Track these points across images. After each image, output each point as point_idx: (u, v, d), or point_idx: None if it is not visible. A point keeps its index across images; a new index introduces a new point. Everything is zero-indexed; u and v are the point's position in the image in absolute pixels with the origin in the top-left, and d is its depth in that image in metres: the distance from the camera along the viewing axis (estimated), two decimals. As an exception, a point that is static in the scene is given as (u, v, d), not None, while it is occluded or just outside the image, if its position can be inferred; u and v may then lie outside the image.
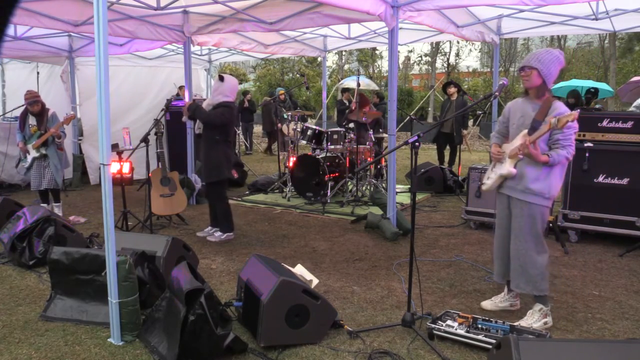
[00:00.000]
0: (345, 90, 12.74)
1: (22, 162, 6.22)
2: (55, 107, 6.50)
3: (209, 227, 5.70)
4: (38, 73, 9.01)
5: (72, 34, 7.60)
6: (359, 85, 8.01)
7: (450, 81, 9.57)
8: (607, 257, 4.89)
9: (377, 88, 13.29)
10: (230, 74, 5.71)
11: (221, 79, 5.26)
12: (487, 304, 3.71)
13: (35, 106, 6.02)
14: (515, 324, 3.26)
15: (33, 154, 6.06)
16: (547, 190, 3.33)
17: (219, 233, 5.50)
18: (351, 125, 8.13)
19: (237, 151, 11.37)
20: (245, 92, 14.86)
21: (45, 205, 6.11)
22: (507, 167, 3.40)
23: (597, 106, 8.54)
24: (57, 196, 6.32)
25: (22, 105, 6.21)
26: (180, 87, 8.21)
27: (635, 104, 7.33)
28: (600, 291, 4.06)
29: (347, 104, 11.89)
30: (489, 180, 3.60)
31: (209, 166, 5.30)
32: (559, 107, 3.27)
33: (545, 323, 3.39)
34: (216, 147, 5.25)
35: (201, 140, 5.41)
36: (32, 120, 6.12)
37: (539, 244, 3.39)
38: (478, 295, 3.97)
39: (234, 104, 5.45)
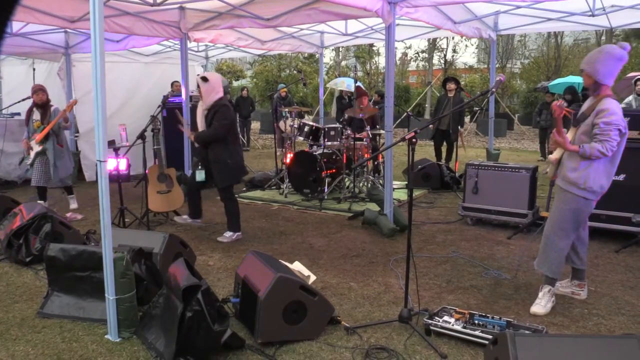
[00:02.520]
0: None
1: (25, 159, 6.21)
2: (55, 105, 6.49)
3: (186, 216, 5.74)
4: (34, 69, 8.96)
5: (68, 30, 7.57)
6: (356, 81, 8.01)
7: (450, 77, 9.53)
8: (604, 253, 4.91)
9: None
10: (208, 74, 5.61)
11: (205, 79, 5.11)
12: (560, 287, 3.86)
13: (41, 94, 6.05)
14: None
15: (36, 148, 6.04)
16: (583, 181, 3.45)
17: (229, 233, 5.38)
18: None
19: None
20: (242, 88, 14.84)
21: (42, 202, 6.09)
22: (552, 155, 3.74)
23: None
24: (70, 189, 6.56)
25: (22, 100, 6.21)
26: (173, 83, 8.17)
27: (626, 100, 7.35)
28: (597, 287, 4.08)
29: (347, 99, 11.89)
30: (549, 167, 3.89)
31: (229, 169, 5.16)
32: (604, 103, 3.39)
33: (553, 302, 3.65)
34: (228, 148, 5.16)
35: (210, 147, 5.20)
36: (36, 116, 6.13)
37: (563, 229, 3.59)
38: (475, 291, 3.99)
39: (227, 100, 5.39)
